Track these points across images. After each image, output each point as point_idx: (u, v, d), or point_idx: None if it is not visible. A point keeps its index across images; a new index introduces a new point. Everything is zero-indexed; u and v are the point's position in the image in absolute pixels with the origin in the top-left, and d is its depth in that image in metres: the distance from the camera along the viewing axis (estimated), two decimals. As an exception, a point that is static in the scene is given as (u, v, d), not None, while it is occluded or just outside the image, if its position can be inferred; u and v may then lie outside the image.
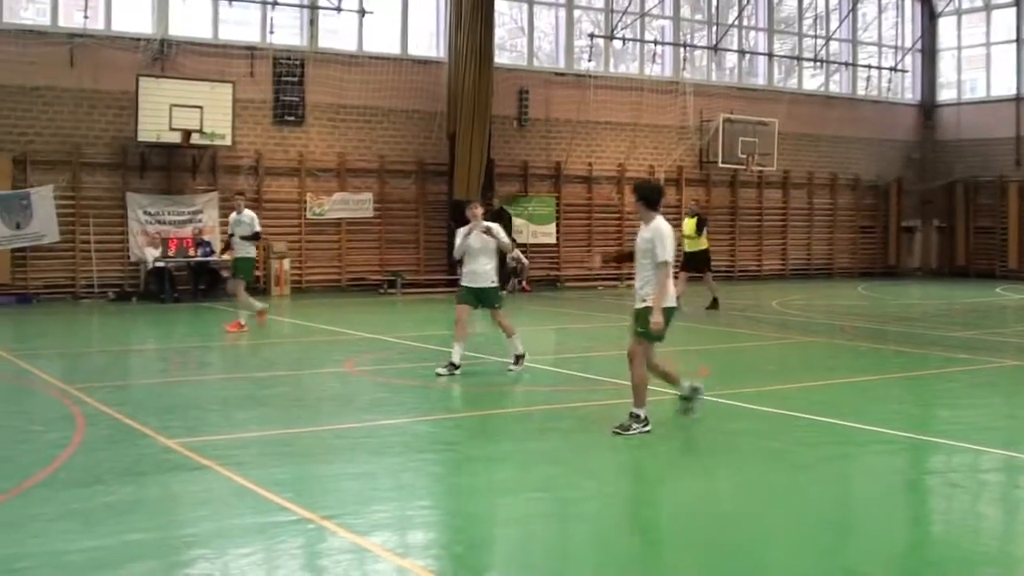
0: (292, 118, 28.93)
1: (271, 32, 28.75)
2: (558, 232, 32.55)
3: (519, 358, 14.26)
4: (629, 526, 7.28)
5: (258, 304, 19.62)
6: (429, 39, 31.40)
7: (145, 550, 6.67)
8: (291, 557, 6.64)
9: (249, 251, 19.53)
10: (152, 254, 26.46)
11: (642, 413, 10.12)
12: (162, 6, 27.32)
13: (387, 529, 7.26)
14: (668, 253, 10.00)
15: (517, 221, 31.45)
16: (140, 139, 26.07)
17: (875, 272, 39.56)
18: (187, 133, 26.17)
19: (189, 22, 27.97)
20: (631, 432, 9.97)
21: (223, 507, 7.71)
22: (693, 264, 24.43)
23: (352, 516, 7.46)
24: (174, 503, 7.88)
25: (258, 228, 19.50)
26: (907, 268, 40.14)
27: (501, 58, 31.55)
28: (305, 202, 28.88)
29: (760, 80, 37.89)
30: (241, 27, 28.81)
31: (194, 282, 26.89)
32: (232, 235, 19.50)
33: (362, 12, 29.83)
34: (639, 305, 10.15)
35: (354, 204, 29.53)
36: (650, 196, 10.39)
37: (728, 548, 6.83)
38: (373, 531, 7.10)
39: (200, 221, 27.53)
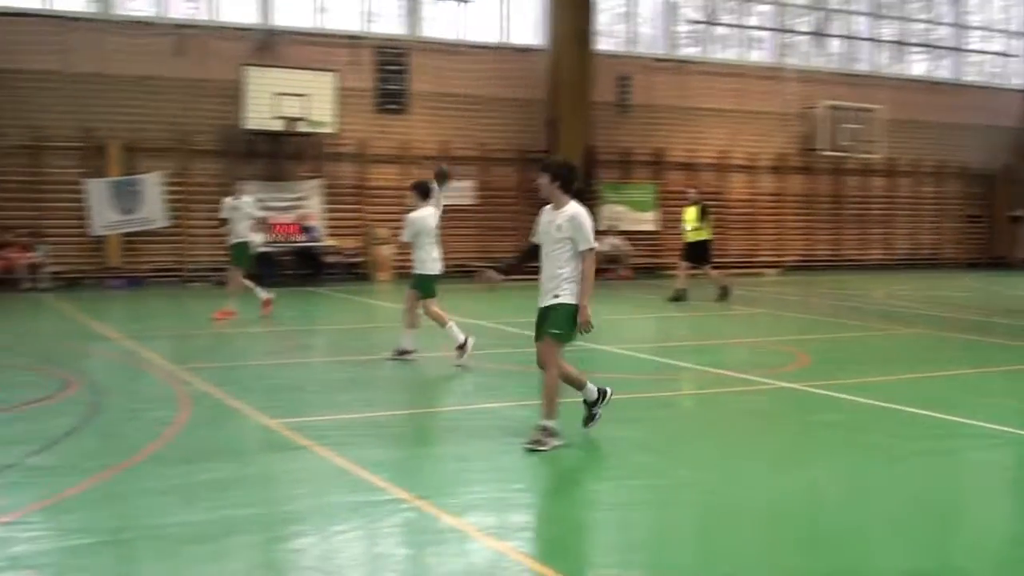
0: (395, 106, 29.19)
1: (373, 21, 29.03)
2: (658, 219, 32.39)
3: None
4: (726, 515, 7.25)
5: (263, 293, 19.39)
6: (529, 26, 31.41)
7: (244, 525, 6.82)
8: (387, 536, 6.74)
9: (246, 236, 19.27)
10: (257, 239, 26.85)
11: (555, 425, 8.95)
12: (267, -4, 27.76)
13: (482, 511, 7.32)
14: (591, 239, 8.99)
15: (617, 208, 31.40)
16: (246, 127, 26.52)
17: (982, 263, 38.74)
18: (291, 121, 26.56)
19: (292, 12, 28.35)
20: (545, 448, 8.75)
21: (321, 486, 7.84)
22: (693, 255, 23.17)
23: (448, 497, 7.54)
24: (273, 481, 8.03)
25: (257, 214, 19.59)
26: (1015, 259, 39.22)
27: (602, 44, 31.45)
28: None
29: (864, 66, 37.29)
30: (343, 16, 29.11)
31: (298, 267, 27.31)
32: (225, 221, 19.28)
33: (463, 0, 29.97)
34: (550, 301, 8.96)
35: (455, 191, 29.67)
36: (566, 176, 9.05)
37: (826, 540, 6.77)
38: (468, 512, 7.17)
39: (304, 207, 27.93)
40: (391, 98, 29.17)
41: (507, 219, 30.23)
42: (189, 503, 7.28)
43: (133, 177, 25.87)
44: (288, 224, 27.43)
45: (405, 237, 13.90)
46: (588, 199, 29.11)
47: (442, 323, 13.81)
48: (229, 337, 17.13)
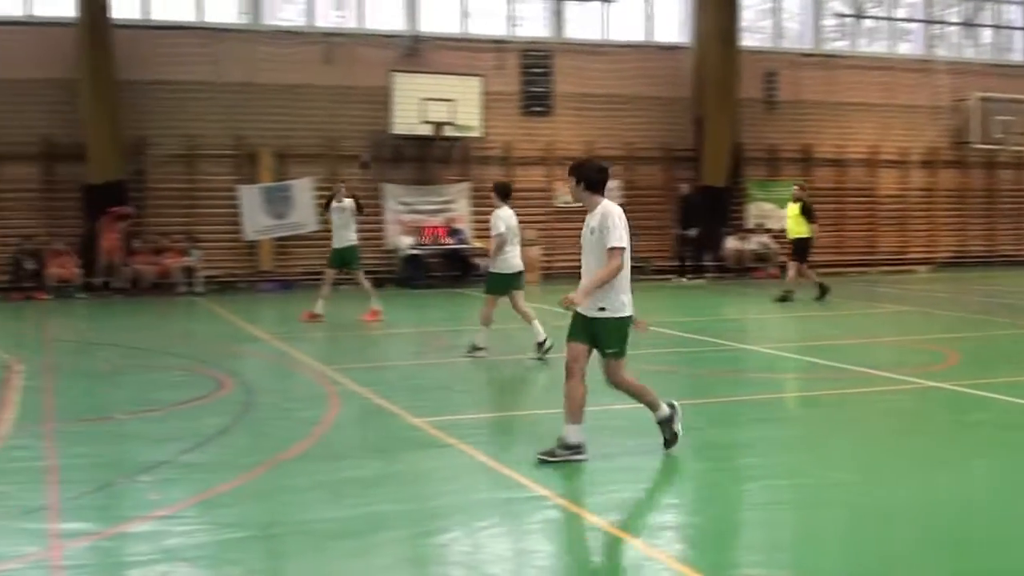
0: (540, 108, 29.29)
1: (518, 25, 29.20)
2: (807, 217, 31.80)
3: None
4: (874, 515, 7.09)
5: (372, 299, 19.13)
6: (674, 24, 31.20)
7: (390, 521, 6.93)
8: (531, 533, 6.78)
9: (352, 239, 19.16)
10: (406, 242, 27.32)
11: (575, 437, 8.35)
12: (412, 2, 28.09)
13: (625, 510, 7.31)
14: (621, 238, 8.35)
15: (765, 206, 30.99)
16: (394, 132, 26.90)
17: None
18: (438, 126, 26.86)
19: (438, 18, 28.66)
20: (556, 460, 8.24)
21: (466, 483, 7.92)
22: (796, 250, 22.57)
23: (591, 496, 7.55)
24: (419, 478, 8.13)
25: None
26: None
27: (747, 40, 31.07)
28: (553, 190, 29.15)
29: (1017, 56, 36.09)
30: (488, 20, 29.32)
31: (446, 269, 27.64)
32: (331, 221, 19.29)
33: (607, 0, 29.94)
34: (595, 314, 8.33)
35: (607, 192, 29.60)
36: (593, 177, 8.54)
37: (977, 541, 6.59)
38: (611, 511, 7.16)
39: (452, 210, 28.24)
40: (536, 100, 29.27)
41: (653, 218, 30.02)
42: (337, 499, 7.42)
43: (284, 183, 26.48)
44: (436, 227, 27.77)
45: (501, 229, 14.20)
46: (734, 198, 28.81)
47: (528, 320, 14.28)
48: (377, 338, 17.41)
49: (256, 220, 26.19)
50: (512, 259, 14.29)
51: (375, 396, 11.29)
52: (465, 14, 28.95)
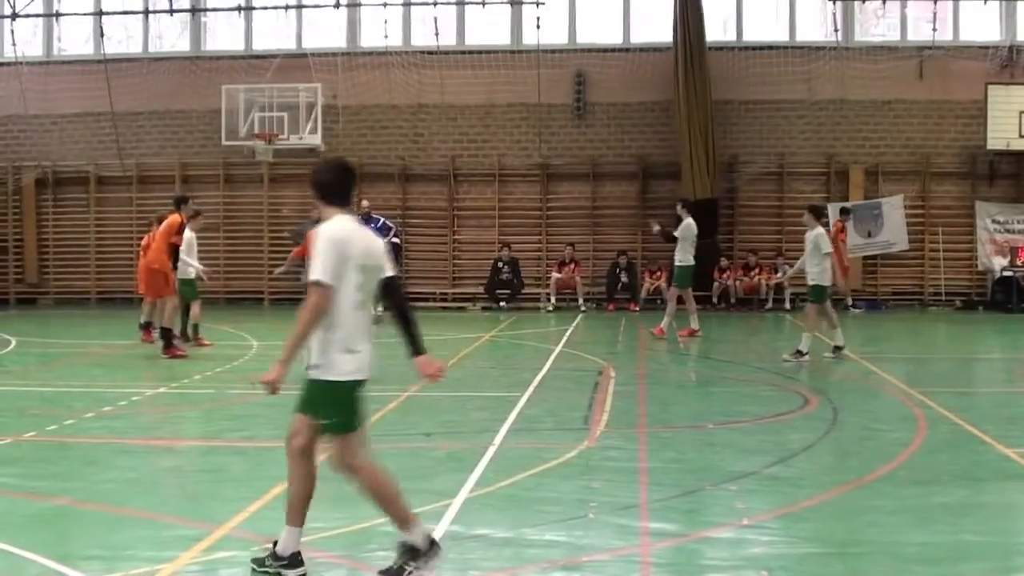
0: None
1: None
2: None
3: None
4: None
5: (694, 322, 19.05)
6: None
7: (976, 551, 6.73)
8: None
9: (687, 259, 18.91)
10: (999, 263, 25.99)
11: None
12: (1010, 12, 26.72)
13: None
14: (325, 268, 5.98)
15: None
16: (989, 147, 25.73)
17: None
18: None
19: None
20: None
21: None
22: None
23: None
24: (1008, 510, 7.82)
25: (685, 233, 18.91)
26: None
27: None
28: None
29: None
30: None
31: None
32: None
33: None
34: (310, 373, 6.16)
35: None
36: (323, 185, 6.27)
37: None
38: None
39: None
40: None
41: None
42: (922, 524, 7.30)
43: (874, 201, 26.12)
44: (1031, 248, 26.13)
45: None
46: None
47: (832, 325, 16.08)
48: (967, 362, 16.81)
49: (847, 238, 25.99)
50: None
51: (963, 422, 10.91)
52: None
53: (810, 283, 15.97)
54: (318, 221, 6.31)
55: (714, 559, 6.68)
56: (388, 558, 6.32)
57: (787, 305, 25.39)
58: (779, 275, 24.27)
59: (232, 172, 27.85)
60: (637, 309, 25.38)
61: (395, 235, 21.76)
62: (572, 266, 26.37)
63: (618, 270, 26.14)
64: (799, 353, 15.50)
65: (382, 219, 21.76)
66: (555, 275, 26.32)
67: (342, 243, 6.08)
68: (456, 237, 27.61)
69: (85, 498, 7.33)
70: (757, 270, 26.10)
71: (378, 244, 6.36)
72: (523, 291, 26.55)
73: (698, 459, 9.51)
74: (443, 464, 9.27)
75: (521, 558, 6.62)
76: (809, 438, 10.13)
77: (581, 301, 26.01)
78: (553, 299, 26.24)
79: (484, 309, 26.21)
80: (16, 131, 28.45)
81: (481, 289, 26.80)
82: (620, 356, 17.14)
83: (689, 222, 18.91)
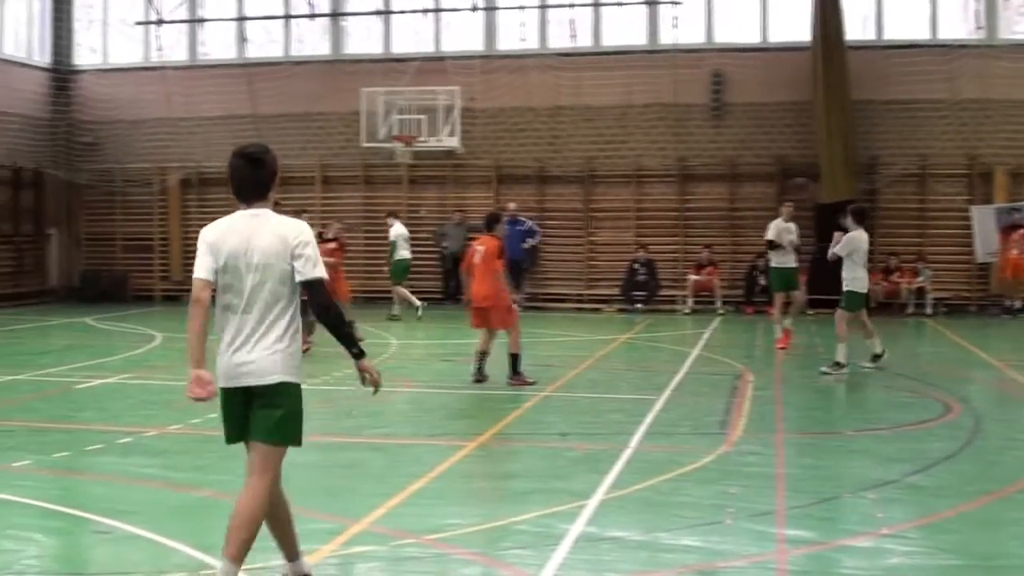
0: None
1: None
2: None
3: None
4: None
5: (787, 322, 18.11)
6: None
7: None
8: None
9: (786, 262, 17.94)
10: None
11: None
12: None
13: None
14: (199, 264, 5.94)
15: None
16: None
17: None
18: None
19: None
20: None
21: None
22: None
23: None
24: None
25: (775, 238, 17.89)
26: None
27: None
28: None
29: None
30: None
31: None
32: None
33: None
34: None
35: None
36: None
37: None
38: None
39: None
40: None
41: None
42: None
43: (1018, 203, 25.41)
44: None
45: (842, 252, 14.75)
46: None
47: (868, 335, 15.30)
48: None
49: (988, 241, 25.36)
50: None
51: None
52: None
53: (845, 289, 14.82)
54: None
55: (852, 568, 6.62)
56: (524, 556, 6.43)
57: (928, 310, 24.88)
58: (920, 279, 23.75)
59: (372, 174, 28.28)
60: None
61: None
62: (710, 268, 26.21)
63: (756, 272, 25.87)
64: (837, 365, 14.73)
65: (528, 222, 21.81)
66: (693, 277, 26.16)
67: (205, 242, 5.95)
68: (592, 239, 27.65)
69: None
70: (898, 274, 25.60)
71: (261, 243, 5.86)
72: (659, 293, 26.46)
73: (836, 466, 9.44)
74: (579, 465, 9.35)
75: (656, 562, 6.66)
76: (950, 447, 9.96)
77: (719, 304, 25.83)
78: (690, 302, 26.09)
79: (620, 311, 26.19)
80: (162, 133, 29.33)
81: (617, 291, 26.78)
82: (757, 360, 17.03)
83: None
